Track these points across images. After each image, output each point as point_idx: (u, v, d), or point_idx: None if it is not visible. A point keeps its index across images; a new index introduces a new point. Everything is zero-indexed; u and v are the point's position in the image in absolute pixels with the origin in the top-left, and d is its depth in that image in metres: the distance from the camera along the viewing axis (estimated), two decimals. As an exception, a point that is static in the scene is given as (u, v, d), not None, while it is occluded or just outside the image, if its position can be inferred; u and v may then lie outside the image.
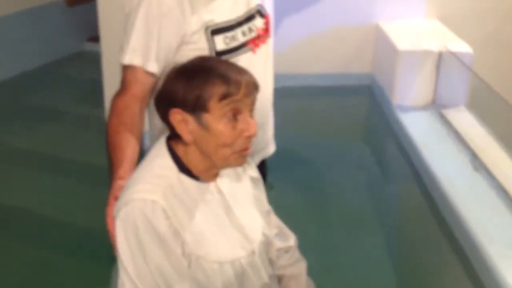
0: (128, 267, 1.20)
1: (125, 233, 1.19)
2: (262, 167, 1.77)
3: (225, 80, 1.20)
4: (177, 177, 1.24)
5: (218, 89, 1.20)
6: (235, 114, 1.21)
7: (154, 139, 1.51)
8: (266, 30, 1.69)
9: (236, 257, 1.29)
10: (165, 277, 1.20)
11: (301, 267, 1.47)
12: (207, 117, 1.21)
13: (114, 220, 1.23)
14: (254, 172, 1.44)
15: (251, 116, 1.24)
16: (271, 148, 1.87)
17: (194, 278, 1.24)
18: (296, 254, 1.48)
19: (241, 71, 1.25)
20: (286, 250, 1.46)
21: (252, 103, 1.25)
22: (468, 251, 2.30)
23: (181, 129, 1.23)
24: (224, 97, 1.20)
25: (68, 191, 2.96)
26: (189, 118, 1.22)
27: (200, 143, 1.23)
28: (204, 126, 1.21)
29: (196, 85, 1.20)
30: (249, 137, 1.23)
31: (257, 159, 1.76)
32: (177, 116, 1.22)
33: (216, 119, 1.20)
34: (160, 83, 1.32)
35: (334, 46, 3.96)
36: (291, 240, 1.48)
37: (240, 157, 1.25)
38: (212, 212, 1.28)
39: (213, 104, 1.20)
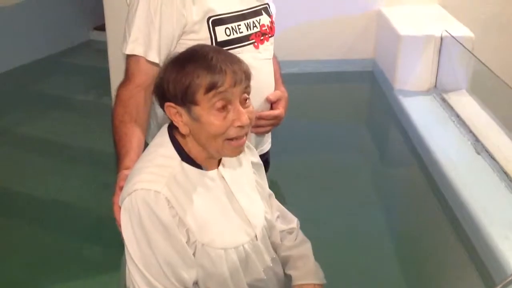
0: (134, 256, 1.21)
1: (130, 223, 1.21)
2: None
3: (210, 71, 1.18)
4: (179, 166, 1.25)
5: (203, 81, 1.18)
6: (224, 105, 1.20)
7: (157, 128, 1.53)
8: (271, 29, 1.70)
9: (240, 243, 1.31)
10: (171, 265, 1.21)
11: (307, 248, 1.48)
12: (197, 110, 1.20)
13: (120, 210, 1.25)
14: (255, 157, 1.46)
15: (245, 104, 1.23)
16: (266, 146, 1.85)
17: (201, 264, 1.26)
18: (300, 235, 1.50)
19: (230, 59, 1.22)
20: (289, 231, 1.48)
21: (244, 92, 1.22)
22: (470, 233, 2.32)
23: (177, 121, 1.24)
24: (209, 89, 1.18)
25: (77, 177, 2.99)
26: (182, 111, 1.22)
27: (195, 135, 1.24)
28: (195, 119, 1.21)
29: (183, 77, 1.19)
30: (241, 127, 1.22)
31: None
32: (171, 109, 1.23)
33: (206, 111, 1.19)
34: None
35: (337, 32, 3.97)
36: (294, 223, 1.50)
37: (234, 148, 1.24)
38: (215, 199, 1.29)
39: (200, 96, 1.19)
